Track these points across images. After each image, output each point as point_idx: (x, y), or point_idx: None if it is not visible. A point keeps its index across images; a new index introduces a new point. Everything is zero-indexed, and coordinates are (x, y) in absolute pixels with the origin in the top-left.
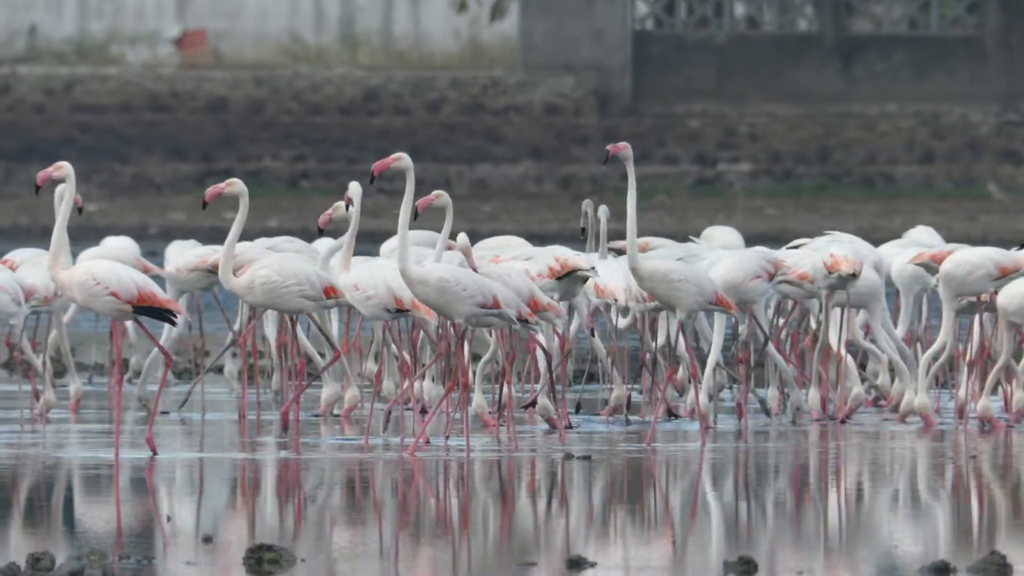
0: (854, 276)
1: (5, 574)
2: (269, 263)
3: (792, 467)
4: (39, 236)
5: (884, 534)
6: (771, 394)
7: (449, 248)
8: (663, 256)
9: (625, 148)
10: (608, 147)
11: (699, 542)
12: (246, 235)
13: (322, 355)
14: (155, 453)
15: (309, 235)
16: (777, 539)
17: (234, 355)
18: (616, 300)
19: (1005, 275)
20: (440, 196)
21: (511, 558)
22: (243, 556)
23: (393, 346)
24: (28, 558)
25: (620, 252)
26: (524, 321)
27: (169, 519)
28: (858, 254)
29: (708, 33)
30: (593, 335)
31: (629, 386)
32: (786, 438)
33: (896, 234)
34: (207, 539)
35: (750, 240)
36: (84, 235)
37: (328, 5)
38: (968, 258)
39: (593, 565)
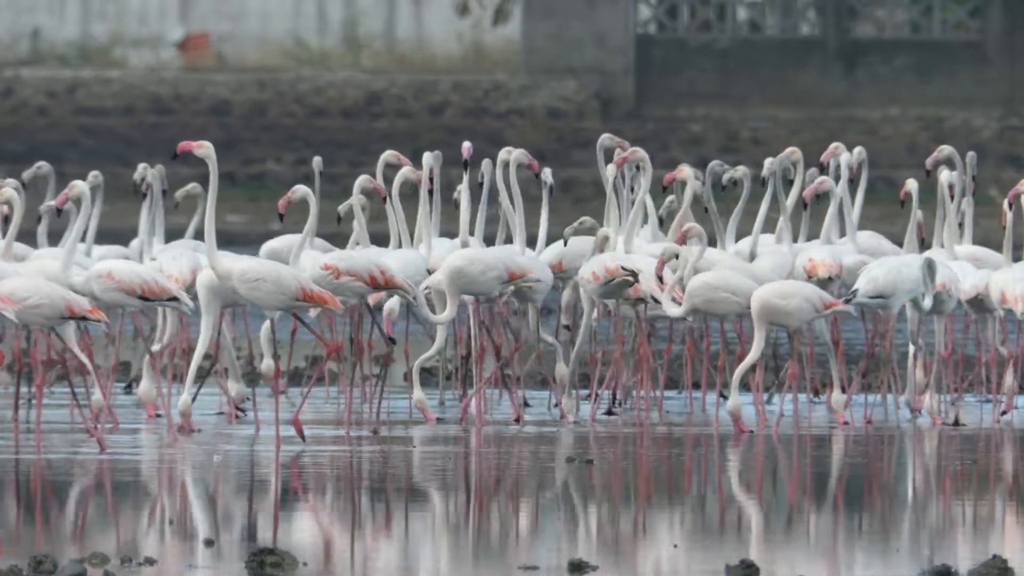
0: (830, 279)
1: None
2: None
3: (794, 471)
4: (43, 238)
5: (885, 537)
6: (907, 399)
7: None
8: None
9: (200, 146)
10: (180, 144)
11: (700, 545)
12: (250, 239)
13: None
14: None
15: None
16: (778, 542)
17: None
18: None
19: (513, 279)
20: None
21: (512, 562)
22: (245, 559)
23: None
24: (30, 560)
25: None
26: (83, 318)
27: (171, 522)
28: (835, 255)
29: (711, 37)
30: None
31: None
32: (790, 442)
33: (898, 238)
34: (209, 542)
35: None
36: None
37: (331, 8)
38: (482, 257)
39: (595, 568)
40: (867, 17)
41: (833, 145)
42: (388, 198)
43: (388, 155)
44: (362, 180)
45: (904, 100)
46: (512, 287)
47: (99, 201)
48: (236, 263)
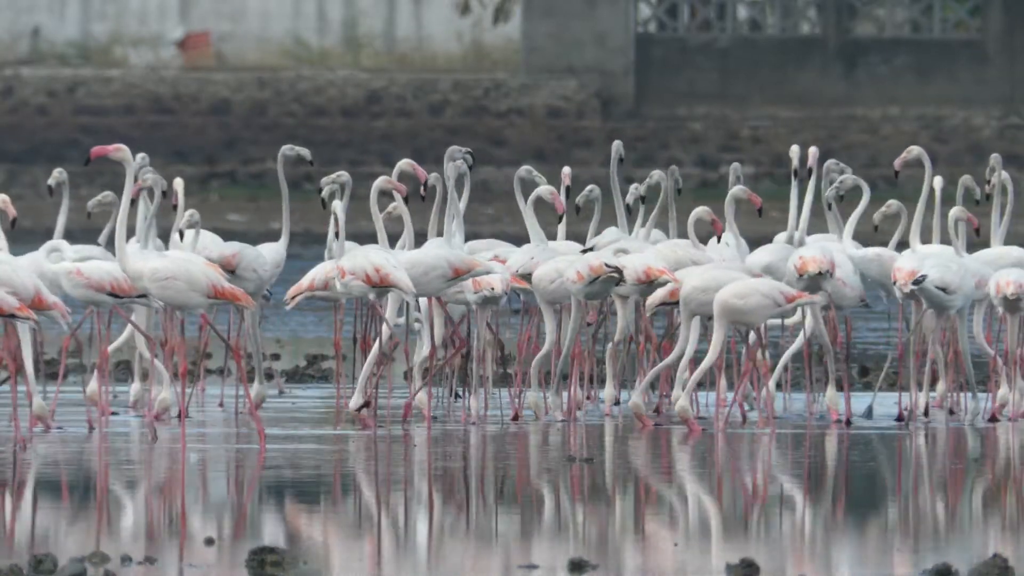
0: (821, 275)
1: None
2: None
3: (796, 471)
4: (42, 237)
5: (885, 537)
6: (940, 391)
7: None
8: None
9: (116, 150)
10: (93, 148)
11: (700, 545)
12: (250, 238)
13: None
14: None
15: (311, 237)
16: (779, 542)
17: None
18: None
19: (459, 275)
20: None
21: (512, 561)
22: (245, 558)
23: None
24: (30, 559)
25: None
26: (12, 316)
27: (171, 520)
28: (826, 252)
29: (711, 36)
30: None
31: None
32: (786, 442)
33: (901, 238)
34: (209, 541)
35: (754, 243)
36: (87, 237)
37: (331, 7)
38: (422, 259)
39: (595, 568)
40: (867, 16)
41: (811, 150)
42: (406, 198)
43: (404, 163)
44: (380, 181)
45: (904, 99)
46: (460, 282)
47: (66, 197)
48: (146, 263)
